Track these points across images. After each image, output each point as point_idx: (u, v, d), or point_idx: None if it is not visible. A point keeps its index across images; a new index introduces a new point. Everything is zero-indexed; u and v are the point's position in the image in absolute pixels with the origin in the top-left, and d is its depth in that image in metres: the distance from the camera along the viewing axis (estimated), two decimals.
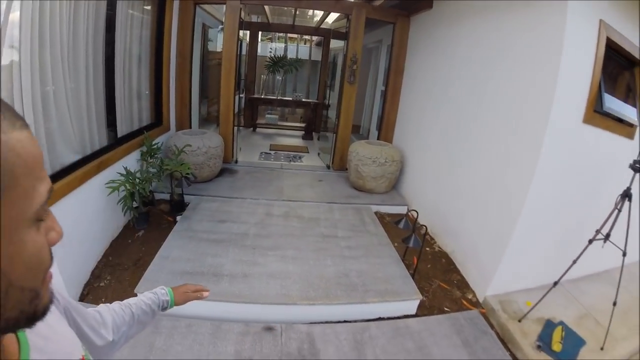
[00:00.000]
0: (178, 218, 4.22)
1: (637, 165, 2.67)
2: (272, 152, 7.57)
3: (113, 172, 3.69)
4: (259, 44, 10.26)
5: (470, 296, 3.51)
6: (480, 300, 3.41)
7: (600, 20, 2.85)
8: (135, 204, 3.78)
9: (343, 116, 6.13)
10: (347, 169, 5.99)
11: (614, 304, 2.81)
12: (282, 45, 14.16)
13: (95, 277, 3.33)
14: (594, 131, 3.11)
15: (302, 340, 2.74)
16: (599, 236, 2.84)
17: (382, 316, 3.16)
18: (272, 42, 15.01)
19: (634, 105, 3.39)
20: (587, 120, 3.01)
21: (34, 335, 0.63)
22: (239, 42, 5.72)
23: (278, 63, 10.40)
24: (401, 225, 3.71)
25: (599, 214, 2.89)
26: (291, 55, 12.50)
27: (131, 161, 4.15)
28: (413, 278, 3.46)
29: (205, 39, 7.80)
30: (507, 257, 3.22)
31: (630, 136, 3.39)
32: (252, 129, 9.67)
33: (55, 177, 2.90)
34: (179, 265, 3.32)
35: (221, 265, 3.37)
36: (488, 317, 3.20)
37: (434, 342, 2.80)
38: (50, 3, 2.75)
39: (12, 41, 2.44)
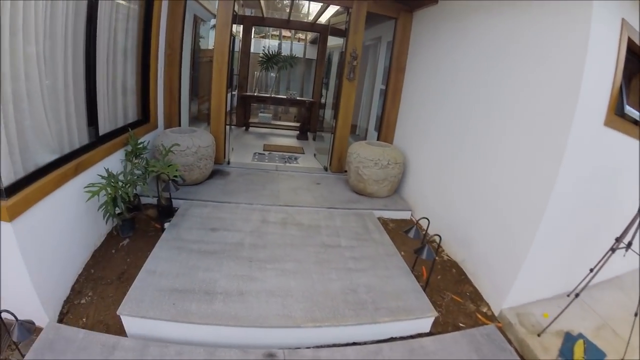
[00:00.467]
0: (166, 225, 3.85)
1: None
2: (266, 153, 7.22)
3: (93, 174, 3.32)
4: (252, 42, 9.90)
5: (485, 309, 3.29)
6: (496, 314, 3.22)
7: (622, 19, 2.71)
8: (118, 210, 3.39)
9: (342, 115, 5.81)
10: (346, 172, 5.71)
11: (636, 314, 2.66)
12: (276, 42, 13.81)
13: (75, 293, 3.01)
14: (614, 135, 2.95)
15: None
16: (621, 245, 2.66)
17: (394, 336, 2.90)
18: (265, 38, 14.64)
19: None
20: (608, 123, 2.87)
21: None
22: (232, 37, 5.37)
23: (272, 59, 10.09)
24: (411, 234, 3.46)
25: (615, 220, 2.84)
26: (285, 53, 12.12)
27: (114, 162, 3.77)
28: (425, 291, 3.18)
29: (196, 32, 7.45)
30: (525, 267, 3.02)
31: None
32: (244, 128, 9.36)
33: (28, 180, 2.58)
34: (167, 281, 2.96)
35: (214, 281, 3.01)
36: (505, 332, 3.00)
37: None
38: None
39: None
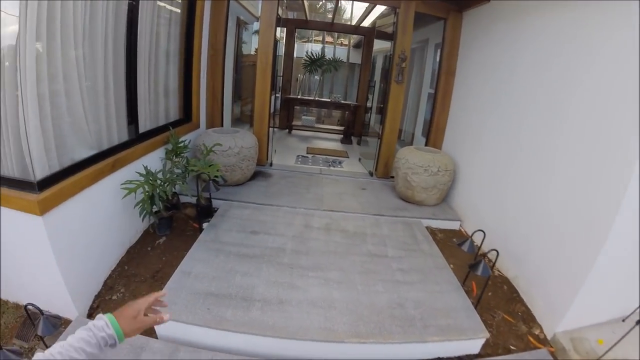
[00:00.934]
0: (204, 225, 3.71)
1: None
2: (310, 156, 7.05)
3: (131, 171, 3.23)
4: (295, 45, 9.81)
5: (537, 331, 2.97)
6: (549, 337, 2.91)
7: None
8: (155, 208, 3.27)
9: (389, 119, 5.55)
10: (392, 177, 5.44)
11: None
12: (319, 47, 13.74)
13: (107, 289, 2.94)
14: None
15: None
16: None
17: (441, 356, 2.63)
18: (309, 42, 14.60)
19: None
20: None
21: None
22: (275, 39, 5.25)
23: (316, 62, 9.96)
24: (465, 247, 3.18)
25: None
26: (328, 57, 12.01)
27: (154, 160, 3.69)
28: (475, 309, 2.90)
29: (239, 35, 7.40)
30: (585, 289, 2.71)
31: None
32: (287, 130, 9.26)
33: (63, 174, 2.53)
34: (202, 284, 2.79)
35: (252, 287, 2.82)
36: (557, 357, 2.73)
37: None
38: None
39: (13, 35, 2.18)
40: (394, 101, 5.47)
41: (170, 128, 3.97)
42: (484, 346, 2.71)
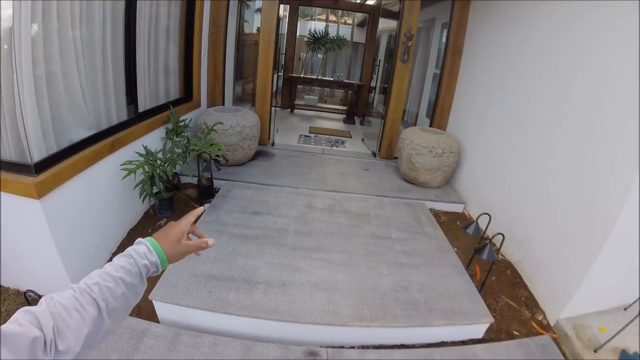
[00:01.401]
0: (205, 206, 3.65)
1: None
2: (312, 136, 6.96)
3: (131, 151, 3.16)
4: (298, 24, 9.63)
5: (540, 317, 2.95)
6: (552, 323, 2.89)
7: None
8: (155, 189, 3.21)
9: (394, 99, 5.45)
10: (396, 158, 5.38)
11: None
12: (322, 25, 13.51)
13: None
14: None
15: None
16: None
17: (445, 340, 2.61)
18: (312, 20, 14.36)
19: None
20: None
21: None
22: (279, 16, 5.12)
23: (320, 40, 9.78)
24: (470, 230, 3.15)
25: None
26: (332, 35, 11.82)
27: (154, 140, 3.62)
28: (480, 293, 2.87)
29: (241, 12, 7.23)
30: (591, 275, 2.66)
31: None
32: (289, 109, 9.15)
33: (61, 156, 2.46)
34: (203, 266, 2.75)
35: (255, 270, 2.78)
36: (560, 344, 2.70)
37: None
38: None
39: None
40: (399, 81, 5.36)
41: (171, 107, 3.88)
42: (488, 331, 2.69)
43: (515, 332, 2.77)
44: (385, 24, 8.75)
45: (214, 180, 4.07)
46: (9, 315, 2.39)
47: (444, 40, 6.17)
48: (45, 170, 2.28)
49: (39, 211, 2.20)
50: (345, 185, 4.59)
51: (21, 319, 0.68)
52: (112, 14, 2.97)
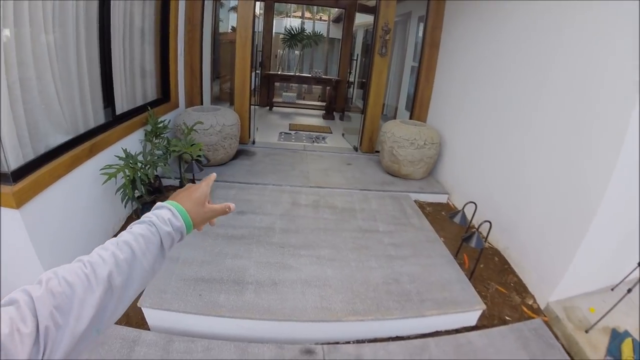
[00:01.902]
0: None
1: None
2: (293, 132, 6.93)
3: (110, 155, 3.08)
4: (274, 21, 9.56)
5: (530, 302, 3.00)
6: (542, 307, 2.94)
7: None
8: (137, 193, 3.14)
9: (373, 93, 5.45)
10: (377, 152, 5.41)
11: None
12: (298, 22, 13.44)
13: None
14: None
15: None
16: None
17: (439, 329, 2.62)
18: (287, 17, 14.28)
19: None
20: None
21: None
22: (254, 15, 5.07)
23: (296, 36, 9.73)
24: (457, 219, 3.19)
25: None
26: (308, 31, 11.78)
27: (133, 142, 3.53)
28: (470, 281, 2.90)
29: (216, 9, 7.14)
30: (578, 257, 2.70)
31: None
32: (268, 107, 9.10)
33: (38, 163, 2.37)
34: (191, 269, 2.69)
35: (244, 270, 2.74)
36: (551, 327, 2.74)
37: None
38: None
39: None
40: (378, 74, 5.37)
41: (149, 108, 3.79)
42: (480, 318, 2.71)
43: (507, 318, 2.80)
44: (361, 19, 8.76)
45: (196, 182, 3.98)
46: None
47: (420, 33, 6.19)
48: (23, 178, 2.19)
49: (19, 221, 2.12)
50: (328, 180, 4.57)
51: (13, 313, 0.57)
52: (85, 16, 2.88)
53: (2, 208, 2.08)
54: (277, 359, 2.16)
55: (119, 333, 2.21)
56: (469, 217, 3.29)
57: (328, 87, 9.19)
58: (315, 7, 13.28)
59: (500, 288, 3.10)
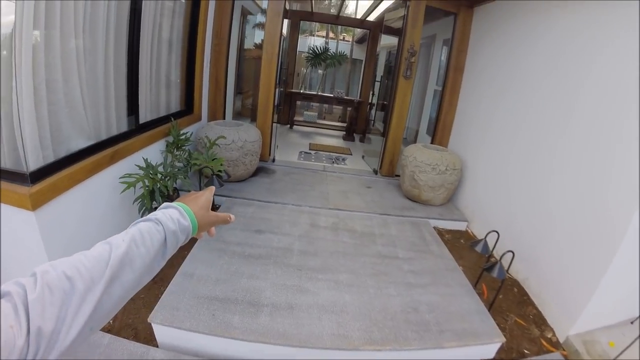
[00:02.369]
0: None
1: None
2: (313, 152, 6.88)
3: (130, 164, 3.06)
4: (298, 39, 9.63)
5: (549, 335, 2.91)
6: (561, 340, 2.85)
7: None
8: (155, 204, 3.09)
9: (396, 115, 5.40)
10: (397, 176, 5.32)
11: None
12: (321, 41, 13.56)
13: None
14: None
15: None
16: None
17: None
18: (311, 35, 14.42)
19: None
20: None
21: None
22: (282, 31, 5.10)
23: (320, 55, 9.77)
24: (478, 248, 3.08)
25: None
26: (332, 51, 11.86)
27: (154, 152, 3.51)
28: (489, 312, 2.80)
29: (243, 24, 7.21)
30: (600, 290, 2.63)
31: None
32: (288, 125, 9.09)
33: (58, 166, 2.35)
34: (205, 287, 2.62)
35: (260, 291, 2.65)
36: None
37: None
38: None
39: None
40: (401, 97, 5.33)
41: (172, 119, 3.78)
42: (499, 351, 2.62)
43: (526, 351, 2.72)
44: (386, 41, 8.76)
45: (214, 197, 3.94)
46: None
47: (445, 57, 6.16)
48: (41, 180, 2.17)
49: (33, 223, 2.09)
50: (348, 203, 4.48)
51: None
52: (116, 22, 2.90)
53: (17, 209, 2.05)
54: None
55: (127, 347, 2.15)
56: (491, 245, 3.19)
57: (349, 108, 9.17)
58: (339, 27, 13.39)
59: (519, 320, 3.01)
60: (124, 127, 3.19)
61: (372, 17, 8.70)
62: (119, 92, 3.10)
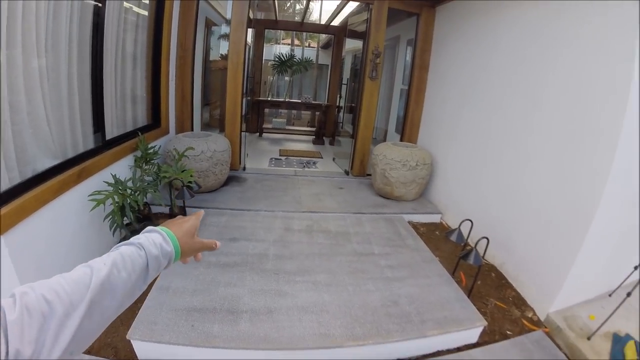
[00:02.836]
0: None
1: None
2: (283, 158, 6.90)
3: (99, 181, 2.99)
4: (264, 47, 9.64)
5: (530, 314, 3.02)
6: (542, 318, 2.96)
7: None
8: (126, 220, 3.05)
9: (364, 116, 5.48)
10: (369, 175, 5.40)
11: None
12: (287, 48, 13.61)
13: None
14: None
15: None
16: None
17: (440, 349, 2.57)
18: (276, 44, 14.45)
19: None
20: None
21: None
22: (246, 40, 5.10)
23: (286, 63, 9.80)
24: (453, 237, 3.19)
25: None
26: (297, 57, 11.92)
27: (122, 168, 3.45)
28: (469, 298, 2.88)
29: (208, 36, 7.19)
30: (575, 268, 2.75)
31: None
32: (257, 134, 9.08)
33: (24, 187, 2.28)
34: (182, 299, 2.59)
35: (238, 298, 2.64)
36: (553, 337, 2.76)
37: None
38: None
39: None
40: (368, 98, 5.41)
41: (140, 134, 3.73)
42: (481, 334, 2.68)
43: (509, 332, 2.79)
44: (350, 45, 8.87)
45: (186, 209, 3.92)
46: None
47: (409, 57, 6.26)
48: (8, 202, 2.10)
49: (2, 248, 2.02)
50: (321, 205, 4.51)
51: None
52: (78, 38, 2.85)
53: None
54: None
55: None
56: (465, 234, 3.27)
57: (317, 113, 9.22)
58: (304, 34, 13.47)
59: (499, 303, 3.09)
60: (90, 145, 3.13)
61: (336, 22, 8.78)
62: (84, 109, 3.04)
